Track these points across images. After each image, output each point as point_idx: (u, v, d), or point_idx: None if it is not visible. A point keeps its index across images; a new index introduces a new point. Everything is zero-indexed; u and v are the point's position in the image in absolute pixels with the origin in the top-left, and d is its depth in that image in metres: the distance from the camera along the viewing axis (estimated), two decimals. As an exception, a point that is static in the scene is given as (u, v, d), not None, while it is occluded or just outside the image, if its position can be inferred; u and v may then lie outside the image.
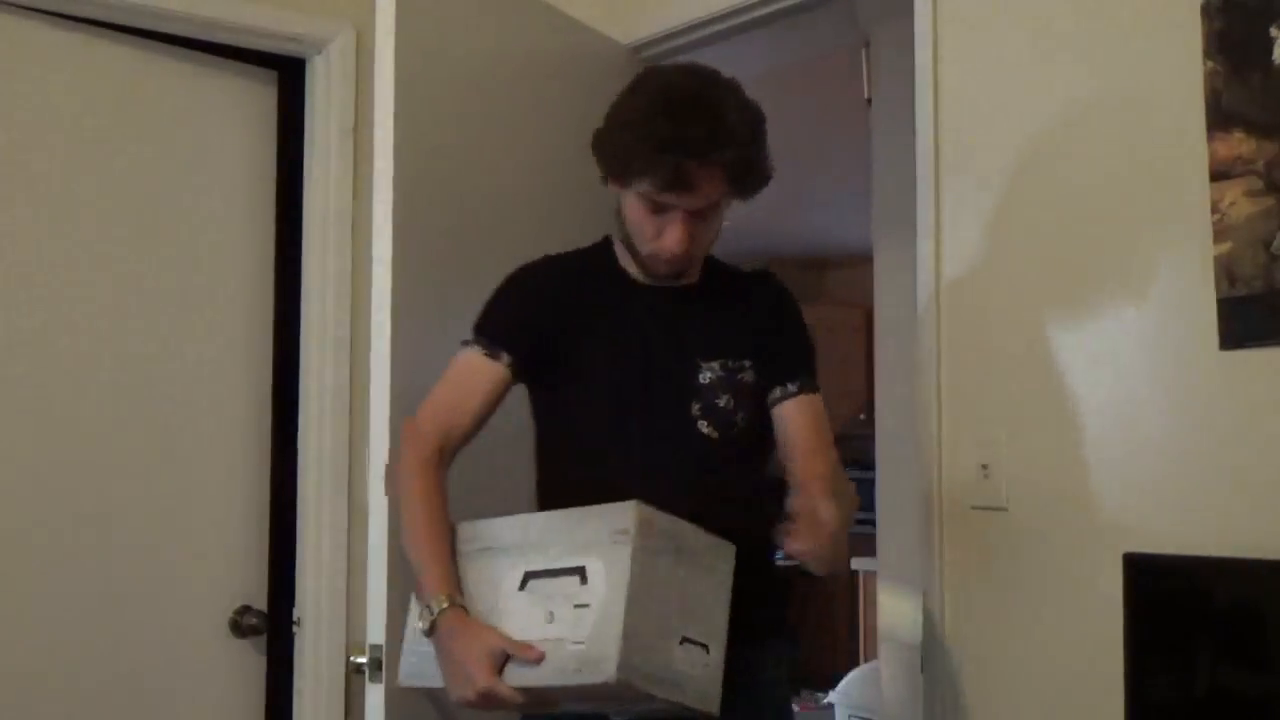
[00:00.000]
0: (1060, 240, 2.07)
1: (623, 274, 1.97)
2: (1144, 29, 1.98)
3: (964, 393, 2.18)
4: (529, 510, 1.89)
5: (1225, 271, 1.84)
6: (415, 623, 1.81)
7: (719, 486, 1.88)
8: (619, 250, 1.97)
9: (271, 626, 2.76)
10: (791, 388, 1.96)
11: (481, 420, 1.91)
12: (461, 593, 1.77)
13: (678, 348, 1.93)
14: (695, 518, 1.73)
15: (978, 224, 2.19)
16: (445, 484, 1.87)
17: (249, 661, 2.75)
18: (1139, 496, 1.94)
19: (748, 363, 1.94)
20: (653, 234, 1.85)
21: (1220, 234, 1.85)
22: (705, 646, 1.68)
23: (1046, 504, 2.06)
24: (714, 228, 1.90)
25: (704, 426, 1.90)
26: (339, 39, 2.82)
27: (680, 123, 1.75)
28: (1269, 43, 1.81)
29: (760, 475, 1.99)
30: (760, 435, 1.96)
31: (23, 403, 2.50)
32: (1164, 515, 1.91)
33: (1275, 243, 1.79)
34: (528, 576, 1.71)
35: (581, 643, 1.61)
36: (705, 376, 1.91)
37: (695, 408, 1.90)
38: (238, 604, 2.74)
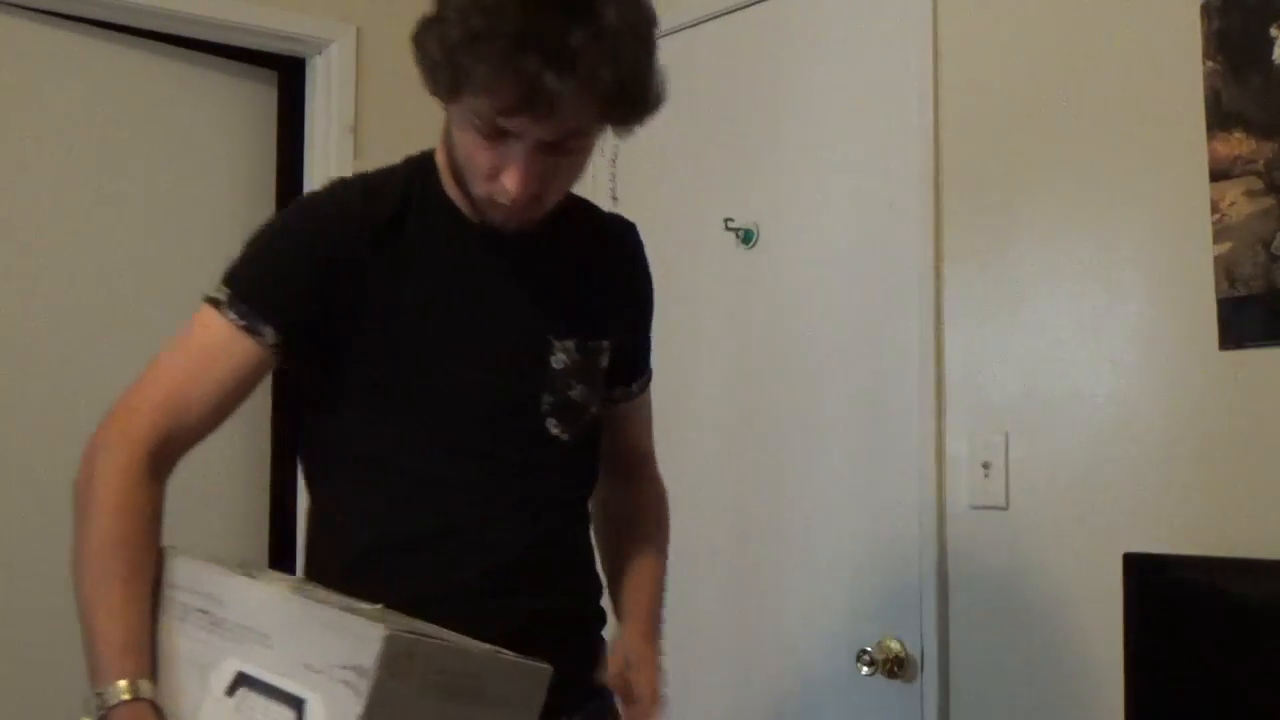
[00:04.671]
0: (1060, 239, 2.07)
1: (451, 208, 1.42)
2: (1144, 29, 1.98)
3: (964, 393, 2.19)
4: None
5: (1225, 271, 1.84)
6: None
7: (565, 506, 1.49)
8: (446, 178, 1.42)
9: (272, 626, 2.76)
10: (636, 388, 1.62)
11: (221, 418, 1.38)
12: (155, 671, 1.20)
13: (526, 318, 1.44)
14: (538, 557, 1.41)
15: (978, 222, 2.19)
16: (160, 500, 1.32)
17: (249, 661, 2.75)
18: (1139, 496, 1.94)
19: (606, 343, 1.50)
20: (488, 170, 1.31)
21: (1220, 234, 1.85)
22: None
23: (1046, 504, 2.06)
24: (576, 166, 1.37)
25: (553, 426, 1.45)
26: (339, 39, 2.82)
27: (538, 16, 1.21)
28: (1269, 43, 1.81)
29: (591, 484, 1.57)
30: (598, 435, 1.56)
31: (23, 401, 2.50)
32: (1164, 515, 1.91)
33: (1275, 243, 1.79)
34: (241, 680, 1.19)
35: None
36: (558, 359, 1.44)
37: (546, 401, 1.44)
38: (238, 604, 2.74)
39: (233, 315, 1.34)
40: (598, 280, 1.51)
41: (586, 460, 1.52)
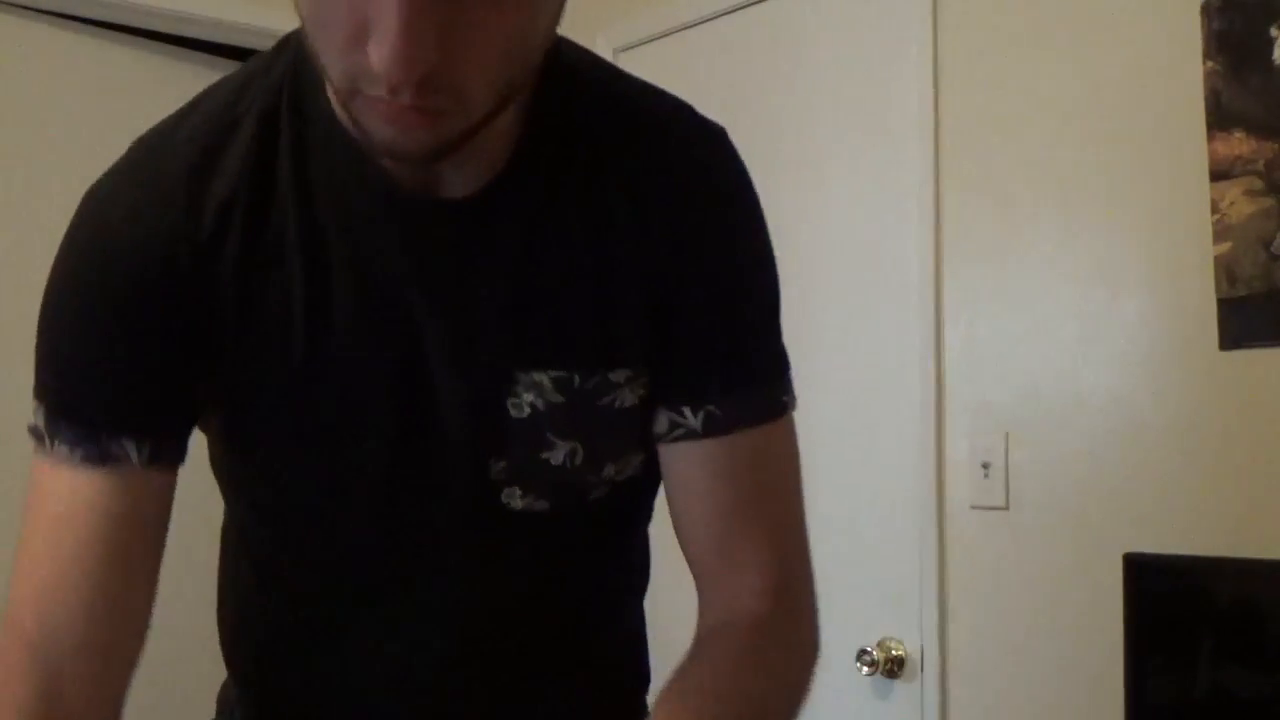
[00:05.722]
0: (1060, 239, 2.07)
1: (347, 150, 0.82)
2: (1144, 29, 1.98)
3: (964, 393, 2.19)
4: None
5: (1225, 271, 1.84)
6: None
7: (548, 624, 0.97)
8: (336, 105, 0.81)
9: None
10: (697, 419, 0.91)
11: (125, 605, 0.93)
12: None
13: (468, 337, 0.86)
14: (479, 689, 0.96)
15: (978, 222, 2.19)
16: None
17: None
18: (1139, 496, 1.94)
19: (623, 374, 0.88)
20: (347, 32, 0.68)
21: (1220, 234, 1.85)
22: None
23: (1046, 504, 2.06)
24: (513, 29, 0.70)
25: (515, 497, 0.90)
26: (339, 39, 2.82)
27: None
28: (1269, 43, 1.81)
29: (637, 569, 1.07)
30: (646, 495, 1.01)
31: (24, 403, 2.50)
32: (1164, 515, 1.91)
33: (1275, 243, 1.79)
34: None
35: None
36: (523, 403, 0.86)
37: (497, 469, 0.89)
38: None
39: (62, 448, 0.87)
40: (615, 255, 0.86)
41: (592, 544, 0.97)
